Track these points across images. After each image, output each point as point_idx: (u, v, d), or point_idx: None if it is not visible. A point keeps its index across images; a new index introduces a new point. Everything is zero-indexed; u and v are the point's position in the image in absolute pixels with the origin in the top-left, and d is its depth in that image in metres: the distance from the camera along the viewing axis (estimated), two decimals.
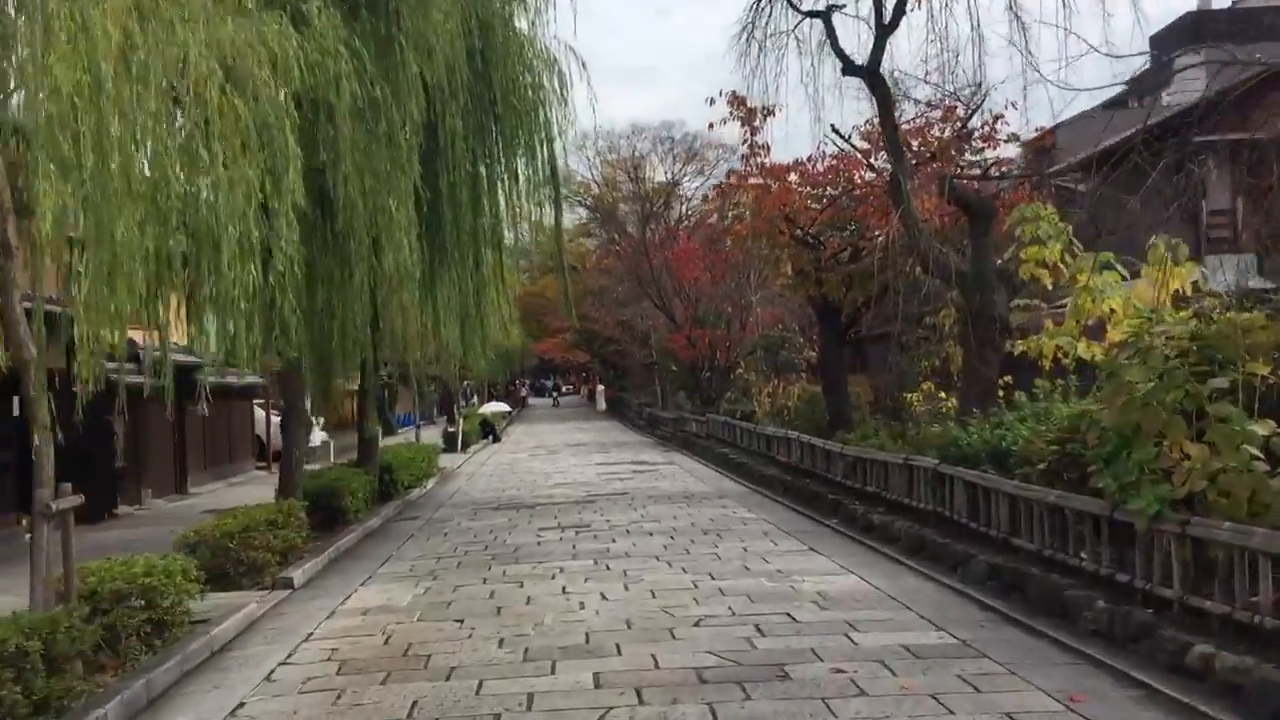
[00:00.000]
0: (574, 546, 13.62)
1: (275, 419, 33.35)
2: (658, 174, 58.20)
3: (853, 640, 8.18)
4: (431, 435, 37.89)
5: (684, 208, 57.69)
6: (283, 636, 9.21)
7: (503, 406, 50.45)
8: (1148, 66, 17.08)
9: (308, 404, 23.26)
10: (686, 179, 59.32)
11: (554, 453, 33.79)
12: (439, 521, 17.26)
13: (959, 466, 11.94)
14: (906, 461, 13.51)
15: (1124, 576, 8.24)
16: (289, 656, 8.45)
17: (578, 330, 64.67)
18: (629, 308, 46.33)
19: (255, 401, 32.44)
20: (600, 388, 71.00)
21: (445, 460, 31.70)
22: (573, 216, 64.79)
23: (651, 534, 14.49)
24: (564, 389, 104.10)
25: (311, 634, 9.23)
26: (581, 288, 58.84)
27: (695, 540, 13.74)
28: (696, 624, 8.92)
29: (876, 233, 18.38)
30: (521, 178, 19.76)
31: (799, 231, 19.22)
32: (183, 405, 25.51)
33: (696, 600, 9.92)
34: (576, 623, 9.16)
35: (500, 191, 19.55)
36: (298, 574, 11.99)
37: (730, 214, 19.88)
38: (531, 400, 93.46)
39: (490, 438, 42.04)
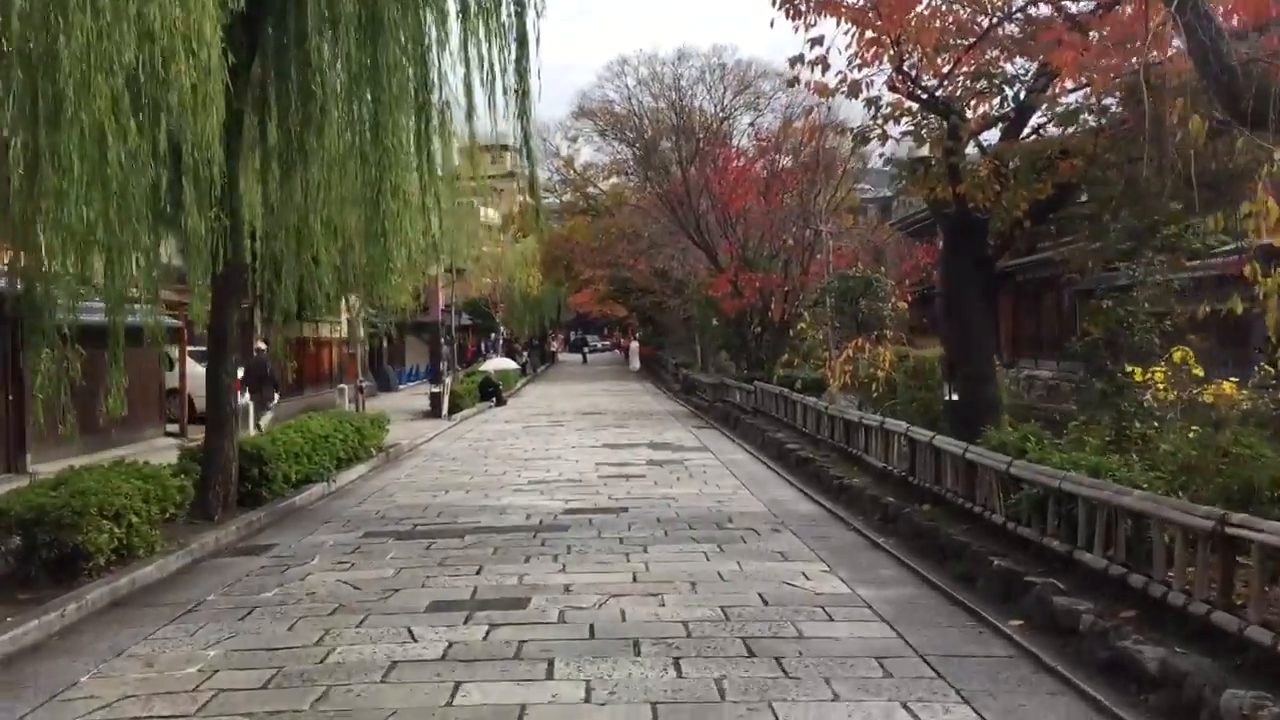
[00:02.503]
0: (449, 697, 6.10)
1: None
2: (705, 107, 50.33)
3: None
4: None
5: (735, 143, 49.73)
6: None
7: (509, 364, 42.95)
8: None
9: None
10: (738, 112, 51.48)
11: (558, 424, 26.34)
12: (273, 571, 9.77)
13: None
14: (1225, 529, 5.86)
15: None
16: None
17: (609, 279, 57.32)
18: (665, 249, 38.59)
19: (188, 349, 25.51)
20: (634, 344, 63.43)
21: (417, 429, 24.49)
22: (608, 151, 57.40)
23: (637, 649, 6.87)
24: (599, 345, 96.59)
25: None
26: (614, 230, 51.38)
27: (726, 688, 6.15)
28: None
29: (1069, 87, 10.64)
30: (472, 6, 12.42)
31: (921, 90, 11.45)
32: (16, 352, 18.51)
33: None
34: None
35: (427, 18, 12.03)
36: None
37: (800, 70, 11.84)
38: (564, 356, 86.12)
39: (493, 400, 34.77)
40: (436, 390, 29.21)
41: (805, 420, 17.88)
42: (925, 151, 11.57)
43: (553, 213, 67.71)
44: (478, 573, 9.26)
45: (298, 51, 10.65)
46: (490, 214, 76.27)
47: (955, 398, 12.49)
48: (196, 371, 25.77)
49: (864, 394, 16.52)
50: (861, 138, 11.35)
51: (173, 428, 23.27)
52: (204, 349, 25.69)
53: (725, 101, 52.54)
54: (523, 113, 12.10)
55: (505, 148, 75.77)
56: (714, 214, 26.92)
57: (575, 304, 72.07)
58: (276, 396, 24.69)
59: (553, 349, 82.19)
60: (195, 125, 9.09)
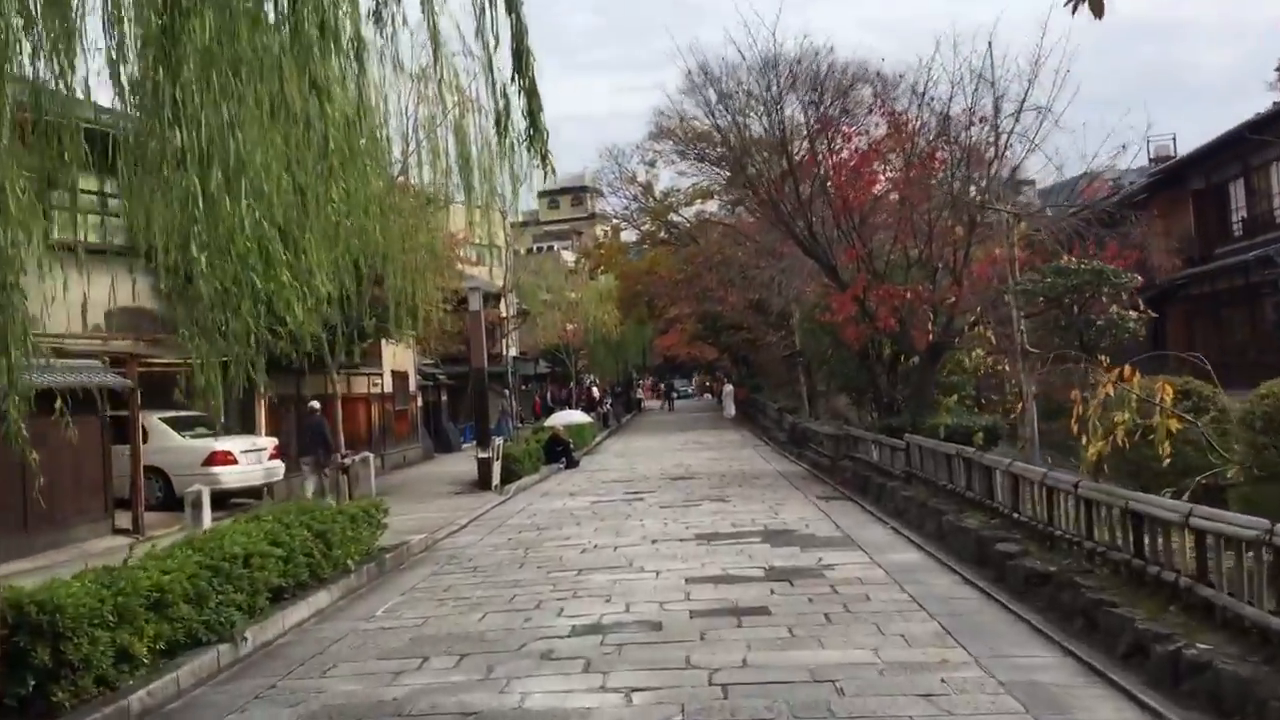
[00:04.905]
0: None
1: (192, 442, 20.65)
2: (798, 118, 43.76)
3: None
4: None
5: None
6: None
7: (580, 416, 36.67)
8: None
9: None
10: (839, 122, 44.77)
11: (636, 496, 19.96)
12: None
13: None
14: None
15: None
16: None
17: (696, 316, 50.88)
18: (762, 272, 32.12)
19: (158, 416, 20.01)
20: (728, 388, 56.77)
21: (451, 510, 18.52)
22: (690, 174, 51.31)
23: None
24: (687, 390, 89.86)
25: None
26: (700, 258, 45.15)
27: None
28: None
29: None
30: None
31: None
32: None
33: None
34: None
35: None
36: None
37: None
38: (649, 404, 79.57)
39: (563, 462, 28.54)
40: (484, 455, 23.04)
41: (1020, 501, 11.19)
42: None
43: (631, 245, 61.76)
44: None
45: None
46: (566, 256, 70.89)
47: None
48: (173, 444, 20.26)
49: (1120, 458, 9.75)
50: None
51: (123, 523, 17.49)
52: (183, 414, 20.10)
53: (822, 109, 46.02)
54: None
55: (585, 189, 70.19)
56: (833, 209, 20.25)
57: (661, 347, 65.80)
58: (336, 457, 19.06)
59: (639, 396, 75.76)
60: None
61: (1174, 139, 34.52)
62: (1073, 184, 20.34)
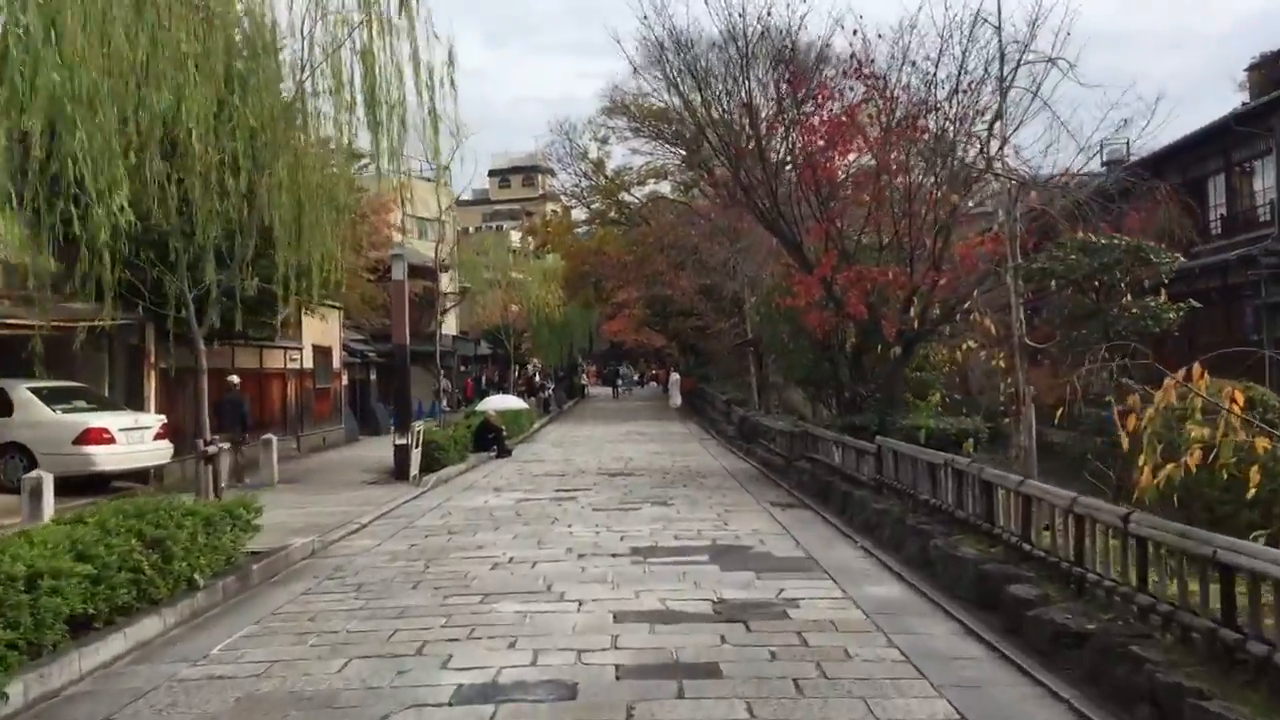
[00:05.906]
0: None
1: (63, 417, 17.91)
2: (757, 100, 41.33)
3: None
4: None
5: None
6: None
7: (515, 402, 34.25)
8: None
9: None
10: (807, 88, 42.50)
11: (568, 496, 17.64)
12: None
13: None
14: None
15: None
16: None
17: (645, 300, 48.53)
18: (716, 254, 29.94)
19: (26, 386, 17.53)
20: (675, 376, 54.56)
21: (357, 505, 16.17)
22: (645, 152, 48.96)
23: None
24: (635, 377, 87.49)
25: None
26: (651, 239, 42.89)
27: None
28: None
29: None
30: None
31: None
32: None
33: None
34: None
35: None
36: None
37: None
38: (594, 390, 77.19)
39: (494, 451, 26.27)
40: (402, 442, 20.59)
41: (1033, 529, 9.00)
42: None
43: (580, 223, 59.30)
44: None
45: None
46: (515, 236, 68.23)
47: None
48: (41, 418, 17.58)
49: (1171, 485, 7.53)
50: None
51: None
52: (58, 385, 17.47)
53: (781, 92, 43.83)
54: None
55: (537, 169, 67.38)
56: (802, 179, 17.98)
57: (608, 332, 63.43)
58: (200, 443, 16.34)
59: (583, 382, 73.28)
60: None
61: (1127, 143, 32.75)
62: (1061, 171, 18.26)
